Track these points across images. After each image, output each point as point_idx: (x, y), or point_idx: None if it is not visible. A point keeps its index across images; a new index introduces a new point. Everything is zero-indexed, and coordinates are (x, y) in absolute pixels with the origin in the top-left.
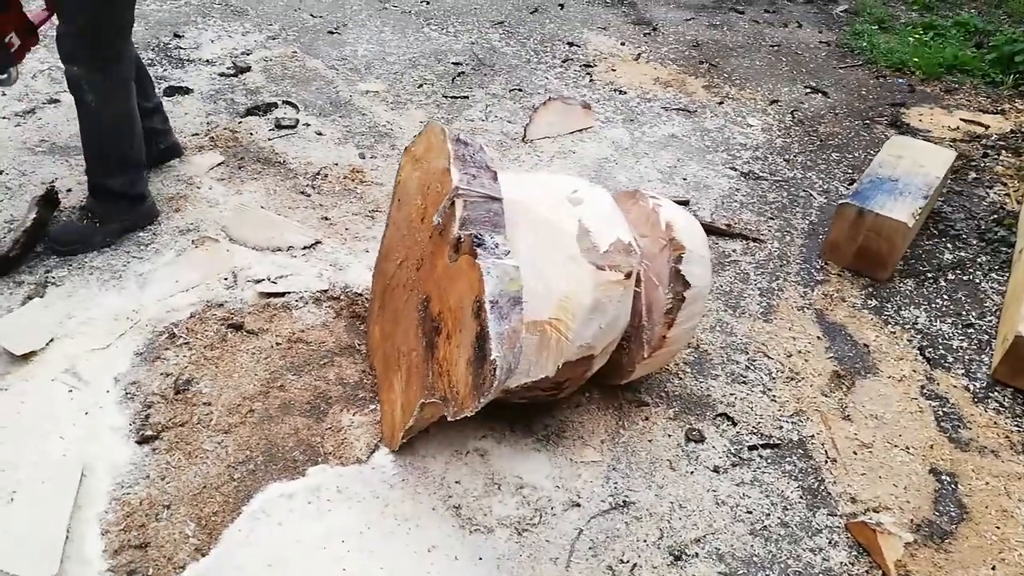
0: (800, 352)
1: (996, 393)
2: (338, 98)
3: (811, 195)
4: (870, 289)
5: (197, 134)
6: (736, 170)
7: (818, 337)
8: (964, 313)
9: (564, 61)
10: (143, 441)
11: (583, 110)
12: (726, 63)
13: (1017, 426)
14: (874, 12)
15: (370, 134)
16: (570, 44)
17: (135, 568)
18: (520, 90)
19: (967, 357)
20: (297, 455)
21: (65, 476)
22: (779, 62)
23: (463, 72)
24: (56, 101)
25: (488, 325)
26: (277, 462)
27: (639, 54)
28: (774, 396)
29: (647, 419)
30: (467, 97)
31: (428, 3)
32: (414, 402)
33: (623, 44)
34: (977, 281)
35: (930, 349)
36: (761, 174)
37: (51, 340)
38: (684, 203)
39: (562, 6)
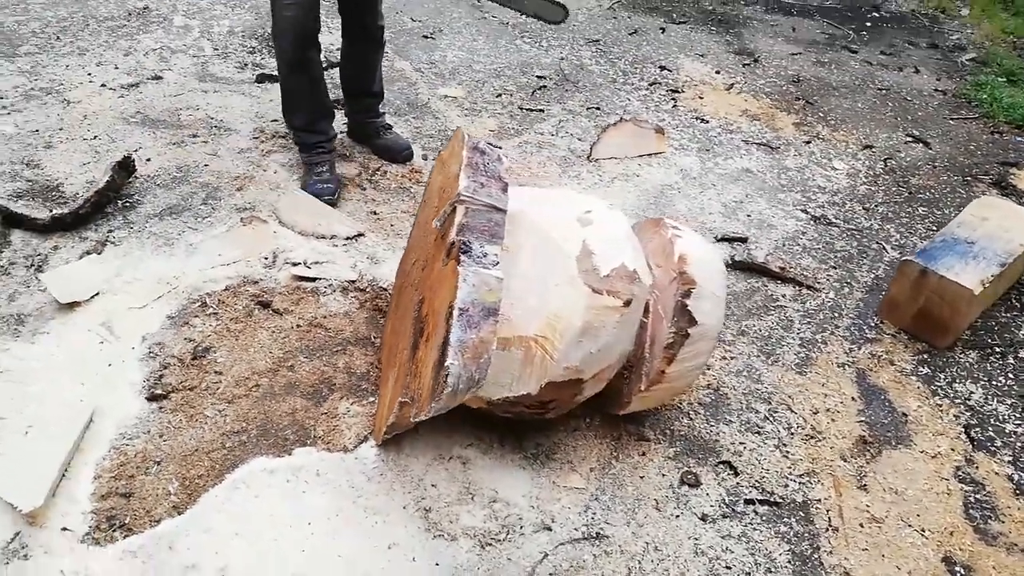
0: (828, 411)
1: None
2: (416, 100)
3: (883, 249)
4: (925, 355)
5: (276, 120)
6: (807, 213)
7: (853, 398)
8: None
9: (651, 84)
10: (152, 398)
11: (656, 134)
12: (824, 102)
13: None
14: (1004, 63)
15: (438, 137)
16: (662, 68)
17: (115, 515)
18: (598, 109)
19: (1020, 444)
20: (289, 434)
21: (74, 419)
22: (883, 106)
23: (545, 86)
24: (159, 78)
25: (451, 331)
26: (269, 437)
27: (732, 84)
28: (787, 452)
29: (644, 454)
30: (542, 111)
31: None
32: (396, 400)
33: (718, 72)
34: None
35: (977, 429)
36: (834, 220)
37: (96, 294)
38: (742, 240)
39: (663, 30)
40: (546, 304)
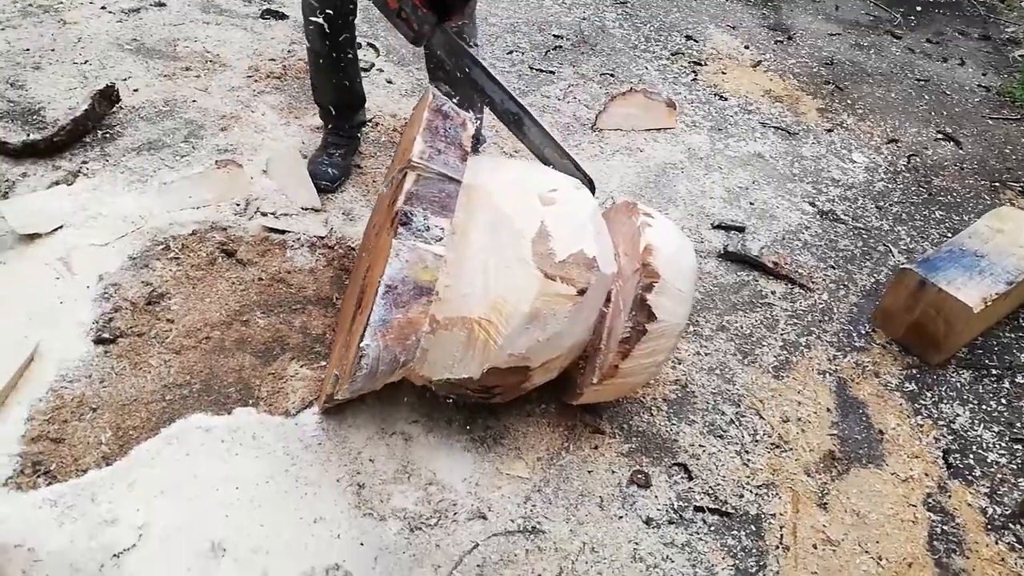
0: (800, 420)
1: (1020, 527)
2: (421, 50)
3: (889, 251)
4: (914, 371)
5: (274, 59)
6: (814, 206)
7: (828, 409)
8: (1019, 426)
9: (673, 54)
10: (99, 342)
11: (666, 108)
12: (855, 88)
13: None
14: None
15: None
16: (688, 38)
17: (41, 460)
18: (612, 75)
19: (1000, 476)
20: (232, 392)
21: (14, 356)
22: (918, 99)
23: (560, 47)
24: (162, 5)
25: (372, 309)
26: (211, 394)
27: (760, 61)
28: (748, 460)
29: (596, 448)
30: (553, 72)
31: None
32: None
33: (747, 48)
34: None
35: (957, 455)
36: (842, 216)
37: (60, 227)
38: (739, 229)
39: None
40: (494, 286)
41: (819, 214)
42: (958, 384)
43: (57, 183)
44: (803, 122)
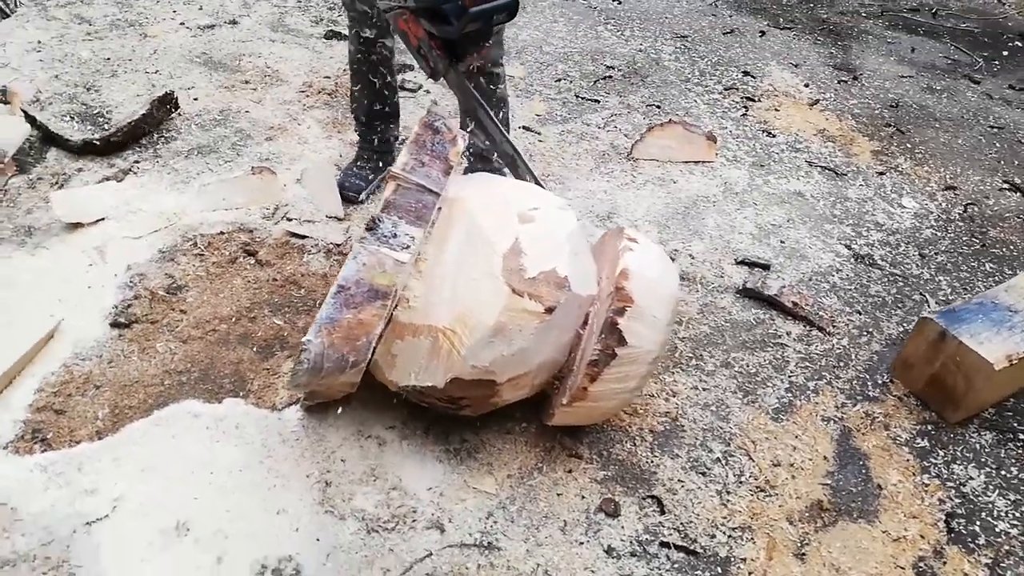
0: (792, 466)
1: None
2: None
3: (925, 300)
4: (929, 427)
5: (328, 77)
6: (850, 248)
7: (825, 457)
8: None
9: (726, 89)
10: (115, 325)
11: (706, 141)
12: (918, 132)
13: None
14: None
15: None
16: (745, 73)
17: (41, 428)
18: (658, 107)
19: (1007, 548)
20: (226, 383)
21: (36, 332)
22: (988, 146)
23: (611, 76)
24: (235, 23)
25: (322, 308)
26: (207, 382)
27: (818, 100)
28: (728, 501)
29: (570, 471)
30: (598, 101)
31: (620, 2)
32: None
33: (806, 86)
34: None
35: (962, 520)
36: (879, 261)
37: (101, 219)
38: (764, 267)
39: (763, 33)
40: (461, 297)
41: (854, 257)
42: (976, 446)
43: (108, 179)
44: (854, 163)
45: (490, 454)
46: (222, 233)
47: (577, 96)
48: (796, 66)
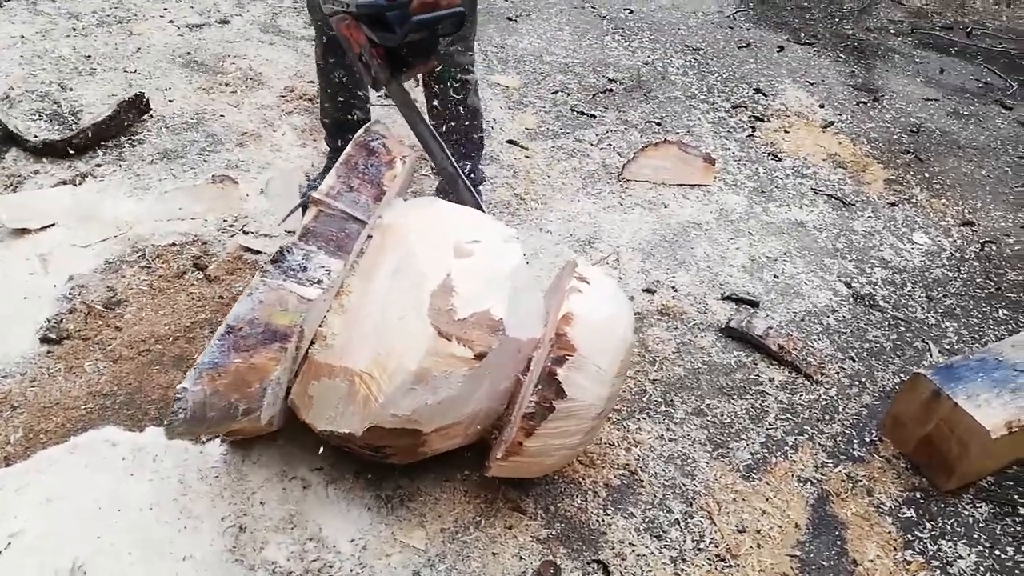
0: (759, 532)
1: None
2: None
3: (928, 349)
4: (918, 495)
5: (312, 82)
6: (850, 287)
7: (797, 525)
8: None
9: (734, 107)
10: (45, 341)
11: (703, 164)
12: (938, 161)
13: None
14: None
15: None
16: (757, 91)
17: None
18: (658, 124)
19: None
20: (151, 409)
21: None
22: (1015, 178)
23: (611, 90)
24: (226, 22)
25: (205, 351)
26: (132, 408)
27: (832, 122)
28: (682, 570)
29: (510, 528)
30: (594, 116)
31: (631, 12)
32: None
33: (821, 106)
34: None
35: None
36: (881, 303)
37: (51, 225)
38: (752, 304)
39: (781, 48)
40: (383, 337)
41: (853, 297)
42: (970, 519)
43: (64, 183)
44: (864, 192)
45: (424, 504)
46: (174, 245)
47: (573, 110)
48: (813, 84)
